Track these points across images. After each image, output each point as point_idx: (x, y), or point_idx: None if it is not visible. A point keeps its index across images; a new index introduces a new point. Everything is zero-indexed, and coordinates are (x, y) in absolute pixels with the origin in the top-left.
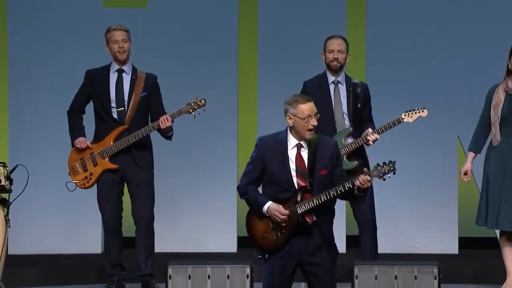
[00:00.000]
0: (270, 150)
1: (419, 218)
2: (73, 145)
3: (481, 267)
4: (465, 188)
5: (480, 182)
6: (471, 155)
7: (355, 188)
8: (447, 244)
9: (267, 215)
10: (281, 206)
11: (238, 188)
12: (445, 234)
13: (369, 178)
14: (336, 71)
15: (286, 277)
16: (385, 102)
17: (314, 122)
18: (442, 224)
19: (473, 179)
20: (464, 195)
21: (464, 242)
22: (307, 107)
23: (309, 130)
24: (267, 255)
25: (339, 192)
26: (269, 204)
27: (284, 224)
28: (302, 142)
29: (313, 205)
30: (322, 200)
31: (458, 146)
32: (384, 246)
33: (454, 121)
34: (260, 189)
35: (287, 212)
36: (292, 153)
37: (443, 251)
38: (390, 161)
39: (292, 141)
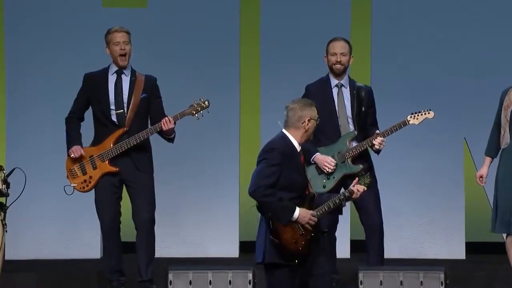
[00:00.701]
0: (287, 155)
1: (425, 222)
2: (68, 155)
3: (489, 272)
4: (472, 192)
5: (488, 186)
6: (487, 159)
7: (345, 198)
8: (454, 249)
9: (294, 220)
10: (309, 211)
11: (259, 188)
12: (451, 239)
13: (365, 188)
14: (339, 74)
15: (295, 284)
16: (390, 103)
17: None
18: (449, 228)
19: None
20: (471, 199)
21: (471, 247)
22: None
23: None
24: (296, 261)
25: (344, 199)
26: (299, 210)
27: (307, 229)
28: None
29: (325, 210)
30: (332, 206)
31: (464, 148)
32: (389, 251)
33: (460, 123)
34: None
35: (315, 218)
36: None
37: (449, 256)
38: (365, 171)
39: (297, 147)
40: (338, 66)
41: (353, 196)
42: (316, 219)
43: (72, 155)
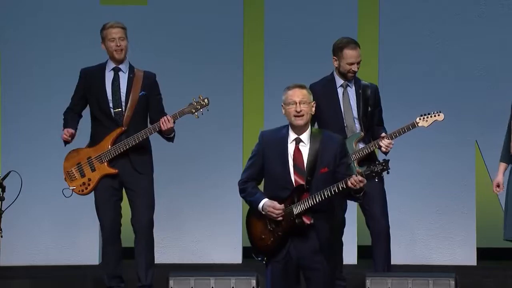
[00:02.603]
0: (270, 144)
1: (434, 227)
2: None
3: (501, 279)
4: (483, 196)
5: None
6: (502, 165)
7: (339, 191)
8: (465, 255)
9: (263, 213)
10: (275, 202)
11: (238, 183)
12: (462, 245)
13: (361, 178)
14: (349, 79)
15: (289, 281)
16: (399, 105)
17: (298, 107)
18: (460, 233)
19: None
20: (482, 203)
21: (483, 253)
22: (292, 93)
23: (296, 116)
24: (265, 258)
25: (333, 193)
26: (264, 201)
27: (280, 225)
28: (301, 137)
29: (308, 205)
30: (317, 200)
31: (476, 151)
32: (398, 257)
33: (471, 125)
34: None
35: (281, 206)
36: (290, 148)
37: (460, 262)
38: (384, 160)
39: (291, 135)
40: (352, 74)
41: (352, 188)
42: (277, 211)
43: (63, 135)
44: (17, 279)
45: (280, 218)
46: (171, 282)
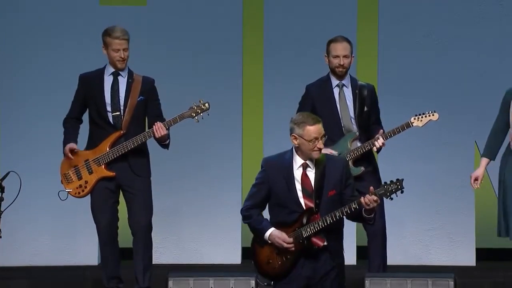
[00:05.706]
0: (275, 171)
1: (433, 227)
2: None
3: (500, 280)
4: (482, 196)
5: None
6: (484, 161)
7: (363, 209)
8: (464, 255)
9: (269, 242)
10: (284, 234)
11: (241, 211)
12: (462, 245)
13: (375, 198)
14: (341, 76)
15: None
16: (398, 105)
17: (320, 144)
18: (459, 234)
19: (491, 186)
20: (481, 203)
21: (482, 254)
22: (314, 129)
23: (316, 151)
24: (272, 282)
25: (345, 213)
26: (271, 230)
27: (285, 250)
28: (308, 162)
29: (319, 227)
30: (328, 222)
31: (475, 151)
32: (397, 257)
33: (470, 125)
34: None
35: (291, 240)
36: (297, 174)
37: (459, 262)
38: (397, 179)
39: (298, 161)
40: (340, 69)
41: (365, 207)
42: (286, 245)
43: (65, 153)
44: (16, 279)
45: (292, 249)
46: (170, 283)
